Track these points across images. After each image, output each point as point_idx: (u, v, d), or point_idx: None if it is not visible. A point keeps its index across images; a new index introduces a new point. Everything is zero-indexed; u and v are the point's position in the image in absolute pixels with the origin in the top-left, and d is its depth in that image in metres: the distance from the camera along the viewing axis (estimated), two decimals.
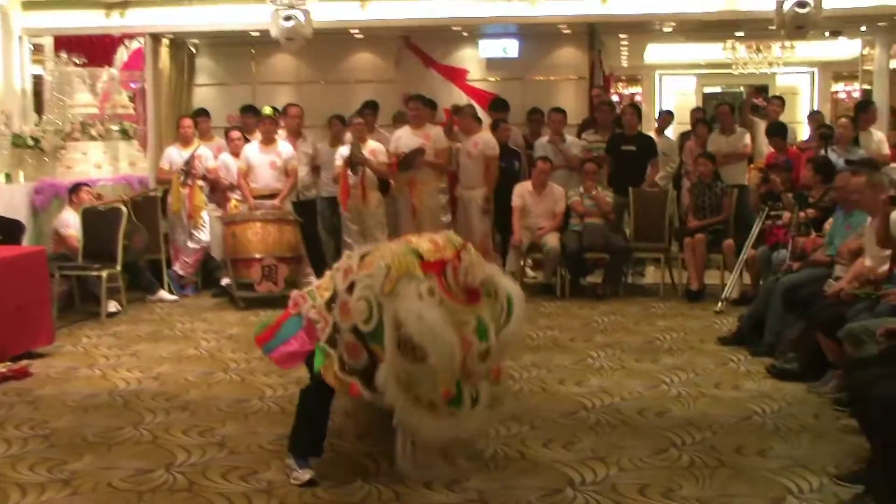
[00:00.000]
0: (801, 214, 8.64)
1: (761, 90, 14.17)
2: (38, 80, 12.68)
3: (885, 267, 6.31)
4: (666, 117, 12.85)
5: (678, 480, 5.01)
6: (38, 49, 12.81)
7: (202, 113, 12.05)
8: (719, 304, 9.51)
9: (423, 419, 4.64)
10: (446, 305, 4.55)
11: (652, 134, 12.25)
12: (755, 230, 9.54)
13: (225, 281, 10.71)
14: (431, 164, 10.90)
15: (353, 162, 10.58)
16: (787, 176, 9.84)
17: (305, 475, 5.02)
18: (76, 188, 10.33)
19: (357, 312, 4.69)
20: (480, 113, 12.89)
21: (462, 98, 13.63)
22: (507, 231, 10.97)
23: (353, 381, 4.89)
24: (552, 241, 10.36)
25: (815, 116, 12.82)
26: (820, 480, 4.97)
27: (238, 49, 14.35)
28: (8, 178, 10.71)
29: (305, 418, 5.18)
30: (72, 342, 8.59)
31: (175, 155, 11.22)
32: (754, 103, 13.73)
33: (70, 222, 10.08)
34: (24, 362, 7.59)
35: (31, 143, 11.23)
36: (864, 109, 11.32)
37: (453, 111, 11.97)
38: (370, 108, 11.92)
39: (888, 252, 6.18)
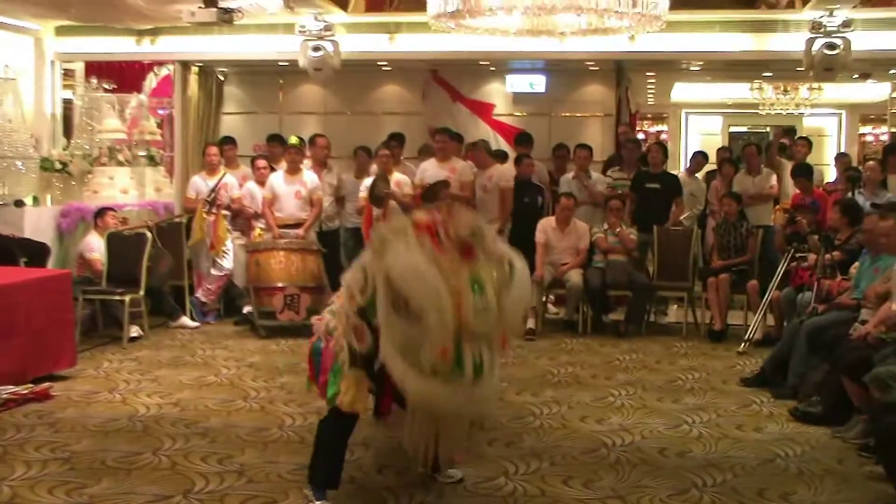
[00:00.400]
0: (827, 256, 8.58)
1: (789, 131, 14.13)
2: (67, 105, 12.82)
3: None
4: (700, 160, 12.70)
5: None
6: (69, 74, 12.97)
7: (229, 141, 12.12)
8: (742, 344, 9.45)
9: (427, 386, 4.56)
10: (439, 261, 4.54)
11: (682, 174, 12.23)
12: (780, 271, 9.49)
13: (247, 309, 10.72)
14: (456, 196, 10.89)
15: (376, 197, 10.60)
16: (813, 217, 9.81)
17: None
18: (101, 212, 10.39)
19: (354, 283, 4.80)
20: (506, 147, 12.96)
21: (488, 132, 13.67)
22: (529, 267, 10.92)
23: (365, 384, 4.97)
24: (575, 277, 10.34)
25: (842, 158, 12.78)
26: None
27: (266, 78, 14.46)
28: (35, 201, 10.79)
29: (323, 449, 5.16)
30: (93, 366, 8.61)
31: (201, 184, 11.26)
32: (782, 143, 13.68)
33: (95, 246, 10.13)
34: (45, 385, 7.61)
35: (58, 166, 11.33)
36: (892, 152, 11.26)
37: (466, 148, 11.99)
38: (396, 140, 11.96)
39: None
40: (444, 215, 4.68)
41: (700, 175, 12.54)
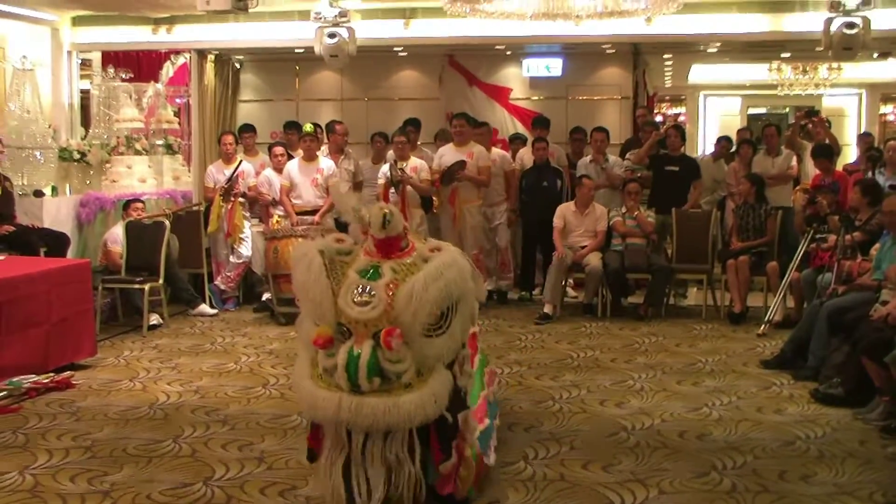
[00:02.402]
0: (847, 237, 8.52)
1: (810, 113, 14.03)
2: (85, 95, 12.88)
3: None
4: (725, 144, 12.62)
5: None
6: (86, 64, 13.01)
7: (248, 128, 12.12)
8: (762, 326, 9.41)
9: (309, 392, 4.28)
10: (356, 260, 4.44)
11: (707, 158, 12.20)
12: (800, 252, 9.44)
13: (266, 296, 10.74)
14: (474, 179, 10.92)
15: (394, 181, 10.60)
16: (833, 198, 9.74)
17: None
18: (127, 204, 10.44)
19: None
20: (523, 130, 12.95)
21: (505, 116, 13.67)
22: (548, 251, 10.94)
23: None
24: (594, 260, 10.32)
25: (864, 138, 12.68)
26: None
27: (282, 65, 14.47)
28: (54, 191, 10.84)
29: None
30: (114, 354, 8.65)
31: (217, 173, 11.26)
32: (802, 125, 13.60)
33: (119, 238, 10.15)
34: (66, 374, 7.66)
35: (77, 156, 11.39)
36: None
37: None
38: (412, 125, 11.94)
39: None
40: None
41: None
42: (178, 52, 13.31)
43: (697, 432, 6.25)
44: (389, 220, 4.42)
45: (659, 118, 17.57)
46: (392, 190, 10.65)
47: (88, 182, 11.58)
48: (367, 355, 4.15)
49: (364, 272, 4.31)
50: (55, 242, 9.56)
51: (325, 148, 11.51)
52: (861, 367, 6.53)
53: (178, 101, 13.50)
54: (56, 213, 10.24)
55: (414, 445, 4.38)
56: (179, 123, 12.99)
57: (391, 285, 4.25)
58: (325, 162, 10.89)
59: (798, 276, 9.23)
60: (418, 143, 11.96)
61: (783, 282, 9.51)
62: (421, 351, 4.28)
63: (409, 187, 10.70)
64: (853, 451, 5.83)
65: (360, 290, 4.22)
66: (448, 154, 10.99)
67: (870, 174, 10.09)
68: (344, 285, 4.23)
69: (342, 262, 4.45)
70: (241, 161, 11.21)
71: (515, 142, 12.39)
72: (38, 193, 10.35)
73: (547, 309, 10.13)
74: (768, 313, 9.57)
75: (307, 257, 4.33)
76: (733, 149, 12.20)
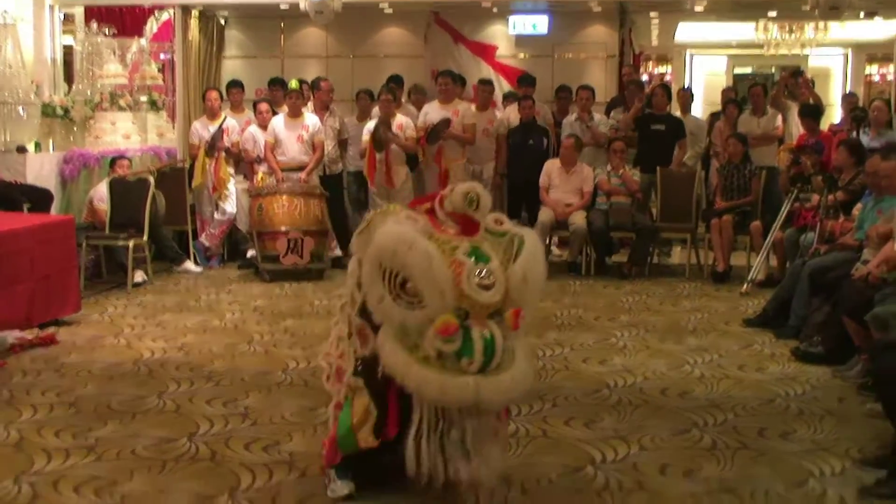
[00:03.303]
0: (830, 197, 8.56)
1: (796, 73, 14.01)
2: (68, 51, 12.75)
3: None
4: (684, 94, 12.63)
5: (699, 461, 5.00)
6: (69, 19, 12.87)
7: (235, 84, 12.05)
8: (745, 285, 9.47)
9: (433, 378, 4.03)
10: (435, 237, 4.16)
11: (677, 114, 12.21)
12: (783, 212, 9.48)
13: (250, 253, 10.76)
14: (459, 137, 10.92)
15: (379, 140, 10.58)
16: (817, 158, 9.77)
17: (343, 489, 4.53)
18: (114, 161, 10.40)
19: (349, 275, 4.44)
20: (508, 88, 12.92)
21: (491, 74, 13.62)
22: (534, 210, 10.96)
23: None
24: (579, 219, 10.34)
25: (849, 98, 12.69)
26: (843, 464, 4.95)
27: (267, 22, 14.39)
28: (37, 147, 10.77)
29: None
30: (98, 311, 8.65)
31: (202, 129, 11.22)
32: (787, 85, 13.58)
33: (105, 195, 10.11)
34: (51, 330, 7.67)
35: (60, 112, 11.30)
36: None
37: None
38: (395, 82, 11.91)
39: None
40: (440, 196, 4.32)
41: (701, 115, 12.49)
42: (161, 8, 13.20)
43: (679, 390, 6.30)
44: (476, 201, 4.26)
45: (645, 77, 17.50)
46: (376, 148, 10.65)
47: (72, 138, 11.51)
48: (500, 337, 4.08)
49: (474, 256, 4.15)
50: (39, 199, 9.52)
51: (310, 105, 11.47)
52: (841, 325, 6.58)
53: (162, 57, 13.40)
54: (39, 169, 10.18)
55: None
56: (164, 80, 12.90)
57: (501, 266, 4.17)
58: (310, 118, 10.86)
59: (781, 235, 9.28)
60: (402, 100, 11.93)
61: (766, 241, 9.56)
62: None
63: (393, 146, 10.69)
64: (832, 409, 5.89)
65: (480, 274, 4.10)
66: (433, 112, 10.98)
67: (854, 134, 10.11)
68: (464, 272, 4.06)
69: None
70: (225, 117, 11.18)
71: (509, 98, 12.38)
72: (21, 149, 10.28)
73: None
74: (751, 272, 9.62)
75: (420, 248, 4.02)
76: (712, 106, 12.20)
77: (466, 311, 4.06)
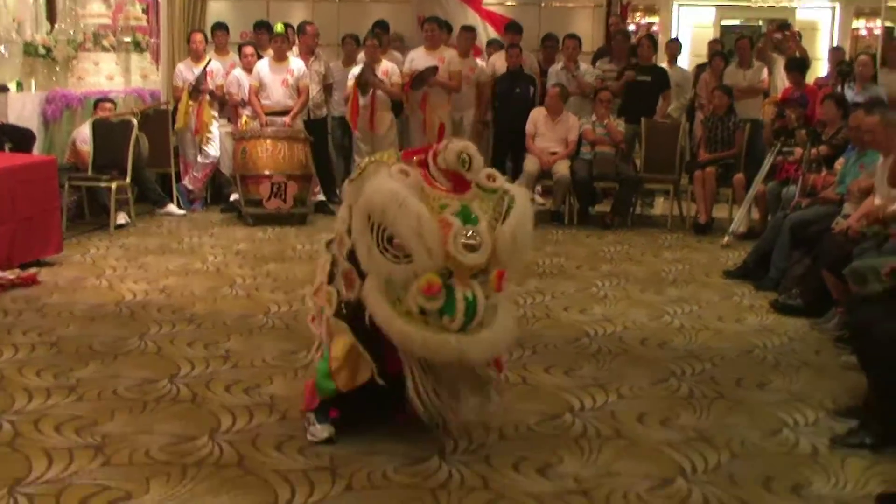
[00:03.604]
0: (813, 151, 8.59)
1: (783, 26, 13.97)
2: None
3: (895, 207, 6.28)
4: (672, 45, 12.59)
5: (677, 410, 5.06)
6: None
7: (220, 27, 11.92)
8: (726, 237, 9.51)
9: (415, 332, 4.11)
10: (426, 192, 4.23)
11: (664, 65, 12.17)
12: (766, 165, 9.51)
13: (233, 197, 10.73)
14: (444, 84, 10.88)
15: (364, 83, 10.53)
16: (801, 112, 9.78)
17: (323, 433, 4.53)
18: (97, 103, 10.33)
19: (341, 222, 4.45)
20: (495, 35, 12.84)
21: (477, 21, 13.51)
22: (519, 158, 10.97)
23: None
24: (562, 168, 10.34)
25: (835, 52, 12.68)
26: (816, 414, 5.01)
27: None
28: (19, 86, 10.67)
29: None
30: (80, 252, 8.64)
31: (186, 71, 11.14)
32: (774, 38, 13.54)
33: (88, 137, 10.04)
34: (32, 270, 7.65)
35: (42, 51, 11.17)
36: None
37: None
38: (381, 27, 11.84)
39: None
40: (434, 149, 4.35)
41: (687, 66, 12.46)
42: None
43: (658, 340, 6.35)
44: (468, 161, 4.30)
45: (632, 27, 17.42)
46: (360, 93, 10.60)
47: (54, 78, 11.39)
48: (482, 297, 4.16)
49: (462, 217, 4.20)
50: (20, 139, 9.44)
51: (295, 49, 11.40)
52: (820, 279, 6.63)
53: None
54: (21, 109, 10.08)
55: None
56: (148, 21, 12.76)
57: (490, 227, 4.23)
58: (295, 63, 10.79)
59: (764, 188, 9.31)
60: (388, 46, 11.86)
61: (749, 194, 9.59)
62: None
63: (378, 92, 10.65)
64: (808, 361, 5.95)
65: (467, 236, 4.15)
66: (419, 58, 10.93)
67: (839, 89, 10.12)
68: (451, 233, 4.13)
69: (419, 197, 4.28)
70: (210, 60, 11.09)
71: (493, 45, 12.31)
72: (3, 89, 10.18)
73: None
74: (733, 225, 9.67)
75: (411, 208, 4.07)
76: (699, 58, 12.18)
77: (450, 270, 4.12)
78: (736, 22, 21.72)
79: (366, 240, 4.12)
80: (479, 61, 11.60)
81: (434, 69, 10.71)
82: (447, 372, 4.30)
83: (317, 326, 4.75)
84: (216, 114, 11.13)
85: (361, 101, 10.64)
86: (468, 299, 4.12)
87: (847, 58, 12.69)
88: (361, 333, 4.37)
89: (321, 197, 10.87)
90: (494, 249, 4.19)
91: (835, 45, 17.12)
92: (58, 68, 11.33)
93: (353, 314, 4.41)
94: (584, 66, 11.56)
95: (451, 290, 4.11)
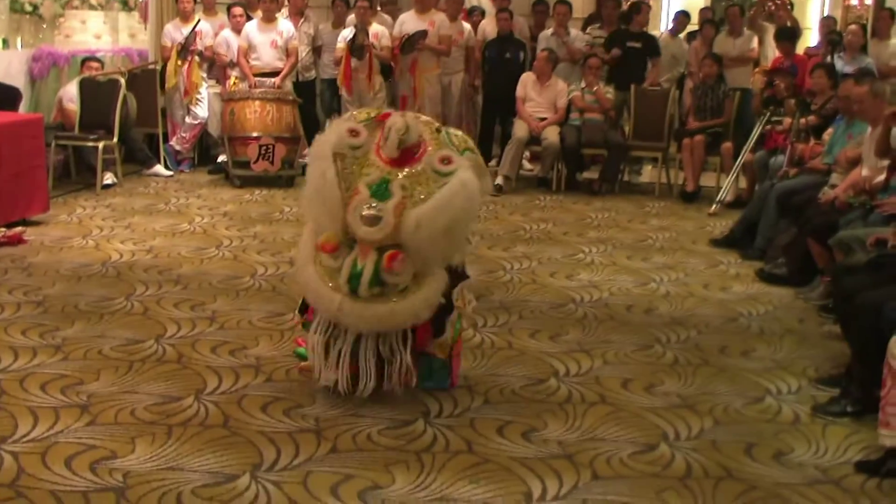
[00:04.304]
0: (802, 121, 8.59)
1: None
2: None
3: (882, 177, 6.29)
4: (682, 20, 12.57)
5: (661, 376, 5.09)
6: None
7: None
8: (714, 206, 9.52)
9: (314, 284, 4.36)
10: (365, 157, 4.42)
11: (665, 35, 12.14)
12: (755, 134, 9.51)
13: (221, 158, 10.70)
14: (434, 48, 10.83)
15: (357, 46, 10.48)
16: (790, 81, 9.77)
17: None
18: (84, 62, 10.26)
19: None
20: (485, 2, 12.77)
21: None
22: (508, 123, 10.96)
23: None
24: (551, 135, 10.32)
25: (826, 22, 12.65)
26: (799, 383, 5.05)
27: None
28: (5, 43, 10.61)
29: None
30: (66, 212, 8.61)
31: (174, 32, 11.05)
32: (765, 5, 13.51)
33: (75, 96, 9.98)
34: (18, 229, 7.62)
35: (29, 8, 11.09)
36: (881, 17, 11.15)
37: None
38: None
39: (886, 162, 6.18)
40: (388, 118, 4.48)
41: (682, 36, 12.42)
42: None
43: (644, 306, 6.37)
44: (405, 140, 4.37)
45: None
46: (353, 56, 10.55)
47: (41, 36, 11.32)
48: (370, 272, 4.25)
49: (375, 188, 4.30)
50: (6, 96, 9.36)
51: (284, 10, 11.32)
52: (806, 248, 6.66)
53: None
54: (7, 66, 10.02)
55: (407, 336, 4.47)
56: None
57: (399, 206, 4.26)
58: (284, 24, 10.74)
59: (752, 157, 9.31)
60: (377, 8, 11.79)
61: (737, 163, 9.59)
62: (422, 262, 4.35)
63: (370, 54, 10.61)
64: (792, 329, 5.99)
65: (367, 207, 4.24)
66: (409, 22, 10.87)
67: (828, 58, 10.11)
68: (354, 200, 4.25)
69: (354, 158, 4.43)
70: (199, 20, 11.00)
71: (474, 14, 12.24)
72: None
73: (498, 180, 10.14)
74: (720, 193, 9.68)
75: (322, 165, 4.34)
76: (694, 27, 12.15)
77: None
78: None
79: (308, 185, 4.49)
80: (466, 25, 11.54)
81: (423, 33, 10.66)
82: (348, 335, 4.44)
83: None
84: (205, 75, 11.06)
85: (354, 64, 10.58)
86: (356, 267, 4.28)
87: (838, 27, 12.67)
88: None
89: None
90: (395, 230, 4.25)
91: (825, 14, 17.09)
92: (45, 26, 11.26)
93: None
94: (574, 31, 11.52)
95: (348, 255, 4.31)
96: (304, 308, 4.70)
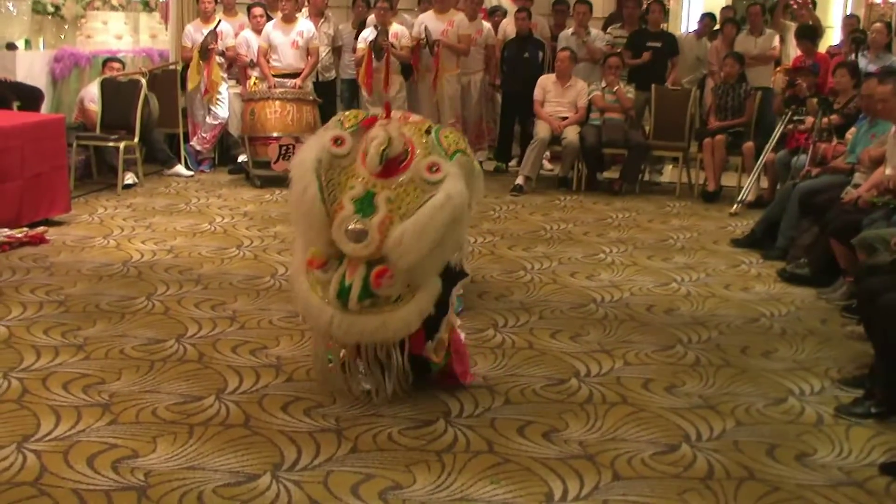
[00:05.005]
0: (825, 120, 8.54)
1: None
2: None
3: None
4: (708, 22, 12.51)
5: (682, 377, 5.07)
6: None
7: None
8: (735, 206, 9.48)
9: (305, 296, 4.31)
10: (351, 167, 4.32)
11: (690, 36, 12.11)
12: (776, 133, 9.45)
13: (241, 158, 10.72)
14: (454, 47, 10.83)
15: (378, 47, 10.48)
16: (812, 80, 9.72)
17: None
18: (106, 63, 10.31)
19: None
20: (506, 2, 12.76)
21: None
22: (527, 123, 10.95)
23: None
24: (571, 134, 10.30)
25: (849, 20, 12.58)
26: (822, 384, 5.02)
27: None
28: (28, 44, 10.66)
29: None
30: (88, 212, 8.64)
31: (195, 32, 11.08)
32: (787, 4, 13.43)
33: (96, 97, 10.02)
34: (40, 229, 7.66)
35: (51, 9, 11.15)
36: None
37: None
38: None
39: None
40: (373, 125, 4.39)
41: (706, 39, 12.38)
42: None
43: (665, 307, 6.35)
44: (387, 153, 4.25)
45: None
46: (374, 57, 10.56)
47: (63, 37, 11.38)
48: (359, 288, 4.19)
49: (359, 204, 4.20)
50: (29, 97, 9.44)
51: (305, 10, 11.34)
52: (828, 248, 6.62)
53: None
54: (30, 67, 10.08)
55: (403, 341, 4.46)
56: None
57: (385, 221, 4.17)
58: (304, 24, 10.75)
59: (773, 157, 9.26)
60: (398, 8, 11.79)
61: (758, 162, 9.54)
62: (411, 273, 4.25)
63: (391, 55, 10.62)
64: (814, 329, 5.95)
65: (352, 225, 4.16)
66: (429, 21, 10.87)
67: (852, 57, 10.05)
68: (339, 216, 4.18)
69: (340, 168, 4.33)
70: (219, 21, 11.02)
71: (496, 13, 12.24)
72: (11, 46, 10.18)
73: (519, 180, 10.14)
74: (742, 193, 9.63)
75: (304, 181, 4.23)
76: (717, 27, 12.10)
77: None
78: None
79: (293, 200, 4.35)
80: (486, 24, 11.52)
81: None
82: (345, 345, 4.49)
83: None
84: (225, 75, 11.09)
85: (375, 64, 10.59)
86: (343, 283, 4.21)
87: (861, 26, 12.59)
88: None
89: None
90: (379, 246, 4.17)
91: (848, 13, 16.98)
92: (66, 27, 11.32)
93: None
94: (594, 31, 11.50)
95: (338, 267, 4.25)
96: None
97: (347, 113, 4.68)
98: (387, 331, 4.30)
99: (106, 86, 9.97)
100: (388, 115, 4.53)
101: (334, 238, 4.20)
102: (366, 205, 4.21)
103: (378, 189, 4.25)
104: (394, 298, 4.25)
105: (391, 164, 4.28)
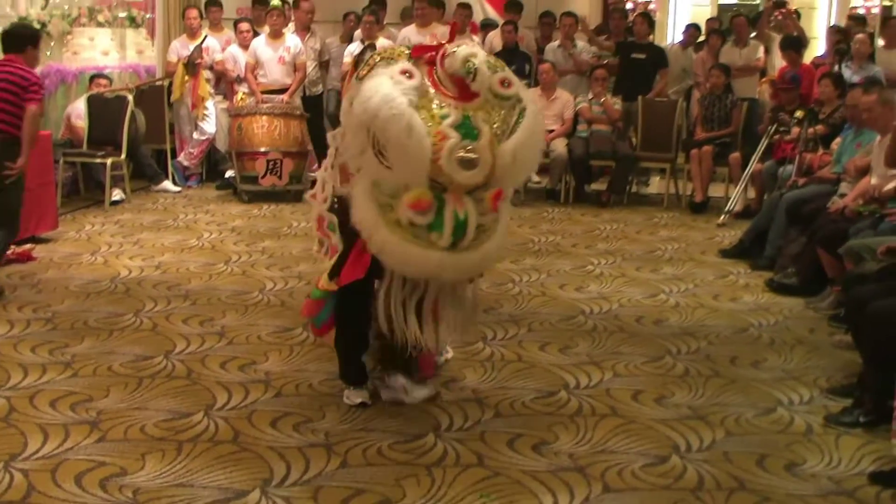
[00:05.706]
0: (810, 130, 8.57)
1: (780, 4, 13.91)
2: None
3: (891, 186, 6.28)
4: (693, 32, 12.55)
5: (671, 388, 5.07)
6: None
7: (214, 3, 11.86)
8: (722, 216, 9.50)
9: (399, 243, 4.01)
10: (430, 96, 4.05)
11: (676, 47, 12.15)
12: (763, 144, 9.48)
13: (229, 173, 10.71)
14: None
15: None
16: (795, 94, 9.71)
17: (356, 398, 4.69)
18: (93, 79, 10.30)
19: (344, 114, 4.32)
20: (494, 15, 12.78)
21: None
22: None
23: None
24: (559, 146, 10.31)
25: (833, 31, 12.62)
26: (811, 393, 5.03)
27: None
28: None
29: (341, 350, 4.79)
30: (75, 228, 8.62)
31: (181, 48, 11.08)
32: (772, 15, 13.48)
33: (83, 113, 10.00)
34: (27, 246, 7.63)
35: (37, 26, 11.10)
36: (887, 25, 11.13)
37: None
38: (378, 4, 11.79)
39: (895, 171, 6.16)
40: (443, 49, 4.14)
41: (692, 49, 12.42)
42: None
43: (654, 318, 6.35)
44: (473, 73, 4.05)
45: (630, 5, 17.36)
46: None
47: (49, 53, 11.30)
48: (474, 217, 4.00)
49: (462, 129, 3.97)
50: None
51: (291, 25, 11.35)
52: (816, 257, 6.64)
53: None
54: None
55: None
56: None
57: (491, 142, 4.00)
58: (291, 39, 10.76)
59: (760, 167, 9.29)
60: (384, 22, 11.82)
61: (745, 173, 9.57)
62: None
63: None
64: (802, 339, 5.96)
65: (464, 150, 3.93)
66: (411, 36, 10.88)
67: (836, 67, 10.09)
68: (446, 147, 3.90)
69: (419, 102, 4.05)
70: (205, 36, 11.03)
71: (487, 28, 12.27)
72: None
73: None
74: (729, 203, 9.65)
75: (402, 119, 3.88)
76: (701, 38, 12.14)
77: (444, 185, 3.97)
78: (734, 0, 21.65)
79: (361, 139, 4.02)
80: (476, 38, 11.55)
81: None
82: (426, 288, 4.24)
83: (321, 257, 4.86)
84: (212, 90, 11.09)
85: None
86: (458, 218, 3.97)
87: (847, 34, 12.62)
88: (345, 232, 4.46)
89: (318, 174, 10.83)
90: (493, 167, 4.00)
91: (832, 23, 17.06)
92: (52, 43, 11.26)
93: (342, 211, 4.40)
94: (581, 43, 11.54)
95: (443, 205, 3.96)
96: (327, 317, 4.69)
97: (387, 49, 4.50)
98: (488, 261, 4.25)
99: (93, 102, 9.96)
100: (451, 39, 4.32)
101: (445, 170, 3.91)
102: (469, 129, 3.99)
103: (471, 112, 4.05)
104: (486, 227, 4.11)
105: (467, 86, 4.09)
